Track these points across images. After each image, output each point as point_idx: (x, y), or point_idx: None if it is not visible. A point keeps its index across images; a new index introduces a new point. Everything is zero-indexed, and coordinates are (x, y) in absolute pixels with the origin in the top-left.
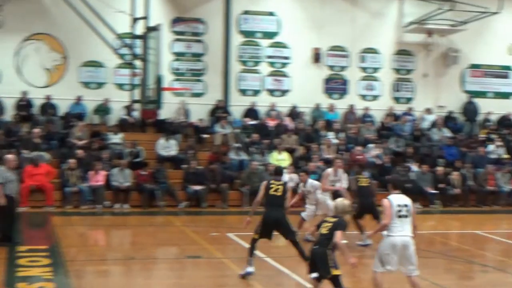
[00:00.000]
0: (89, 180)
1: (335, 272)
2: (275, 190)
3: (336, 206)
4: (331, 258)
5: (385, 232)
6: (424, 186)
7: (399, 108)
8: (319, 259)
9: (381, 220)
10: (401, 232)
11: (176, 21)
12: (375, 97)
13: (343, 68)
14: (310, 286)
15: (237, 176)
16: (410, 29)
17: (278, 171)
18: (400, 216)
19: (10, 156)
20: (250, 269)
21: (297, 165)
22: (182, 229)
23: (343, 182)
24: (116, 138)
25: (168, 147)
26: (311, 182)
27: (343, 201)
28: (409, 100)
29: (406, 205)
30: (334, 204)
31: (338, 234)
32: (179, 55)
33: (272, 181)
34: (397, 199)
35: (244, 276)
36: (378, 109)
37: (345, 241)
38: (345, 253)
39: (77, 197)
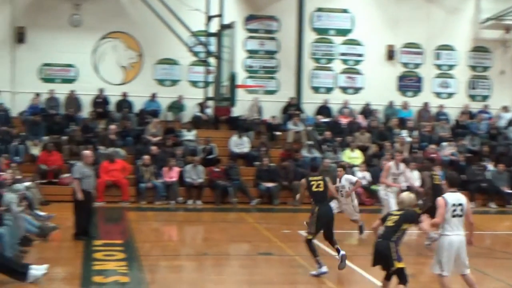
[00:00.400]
0: (163, 176)
1: (398, 265)
2: (317, 186)
3: (403, 200)
4: (394, 251)
5: (438, 232)
6: (500, 185)
7: (475, 106)
8: (383, 252)
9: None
10: (457, 231)
11: (250, 18)
12: (450, 95)
13: (417, 65)
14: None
15: (309, 174)
16: (487, 25)
17: (313, 167)
18: (454, 216)
19: (87, 152)
20: (323, 269)
21: (370, 163)
22: (254, 225)
23: (412, 179)
24: (189, 135)
25: (241, 144)
26: (347, 177)
27: (409, 195)
28: (485, 97)
29: (460, 204)
30: (400, 197)
31: (423, 224)
32: (252, 53)
33: (310, 178)
34: (453, 198)
35: (318, 276)
36: (453, 107)
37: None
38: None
39: (151, 193)
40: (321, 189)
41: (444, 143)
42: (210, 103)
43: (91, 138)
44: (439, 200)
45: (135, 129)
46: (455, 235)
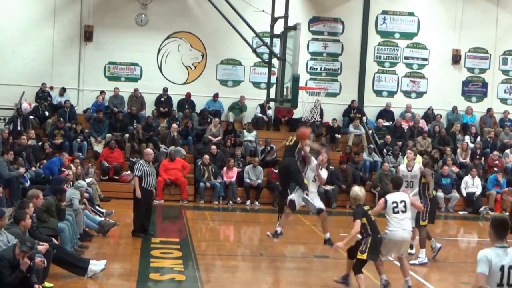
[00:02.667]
0: (222, 176)
1: (359, 256)
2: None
3: (358, 196)
4: (362, 243)
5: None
6: None
7: None
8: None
9: None
10: (400, 227)
11: (314, 20)
12: None
13: (483, 70)
14: None
15: (369, 177)
16: None
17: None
18: (396, 212)
19: (148, 150)
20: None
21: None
22: (311, 228)
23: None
24: (250, 136)
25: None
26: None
27: (362, 189)
28: None
29: (403, 201)
30: (355, 193)
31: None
32: (315, 55)
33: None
34: (393, 197)
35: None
36: None
37: None
38: None
39: (209, 192)
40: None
41: (507, 150)
42: (272, 104)
43: (152, 136)
44: (380, 200)
45: (196, 129)
46: (397, 230)
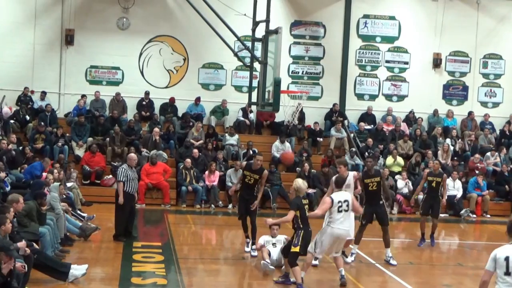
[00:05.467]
0: (204, 180)
1: (293, 249)
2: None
3: (300, 187)
4: (295, 236)
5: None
6: None
7: None
8: None
9: None
10: (341, 225)
11: (296, 24)
12: (495, 104)
13: (463, 74)
14: None
15: None
16: None
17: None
18: (340, 211)
19: (132, 155)
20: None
21: (412, 172)
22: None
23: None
24: (232, 139)
25: (282, 149)
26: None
27: (304, 182)
28: None
29: (346, 201)
30: (298, 185)
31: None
32: (297, 58)
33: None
34: (339, 196)
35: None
36: (499, 117)
37: None
38: None
39: (191, 196)
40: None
41: (488, 153)
42: (254, 108)
43: (134, 140)
44: (326, 198)
45: (178, 133)
46: (338, 228)
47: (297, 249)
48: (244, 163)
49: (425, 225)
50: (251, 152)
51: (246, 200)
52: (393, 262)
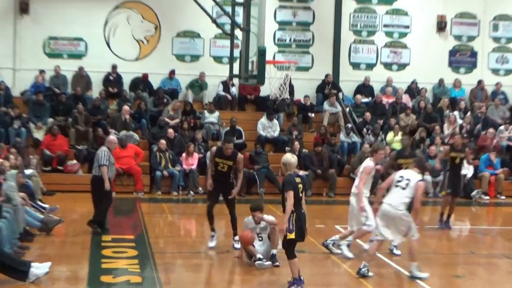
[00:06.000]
0: (181, 163)
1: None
2: None
3: (291, 162)
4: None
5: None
6: None
7: None
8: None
9: None
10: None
11: None
12: (508, 72)
13: (472, 38)
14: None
15: (347, 160)
16: None
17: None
18: (396, 186)
19: (113, 138)
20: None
21: (417, 149)
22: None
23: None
24: (212, 117)
25: (269, 127)
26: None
27: (294, 156)
28: None
29: (408, 179)
30: (288, 160)
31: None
32: (284, 24)
33: None
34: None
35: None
36: None
37: None
38: None
39: (167, 182)
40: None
41: (501, 127)
42: (236, 81)
43: (100, 120)
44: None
45: (151, 111)
46: (386, 203)
47: (292, 235)
48: (214, 148)
49: (447, 206)
50: (235, 131)
51: (220, 188)
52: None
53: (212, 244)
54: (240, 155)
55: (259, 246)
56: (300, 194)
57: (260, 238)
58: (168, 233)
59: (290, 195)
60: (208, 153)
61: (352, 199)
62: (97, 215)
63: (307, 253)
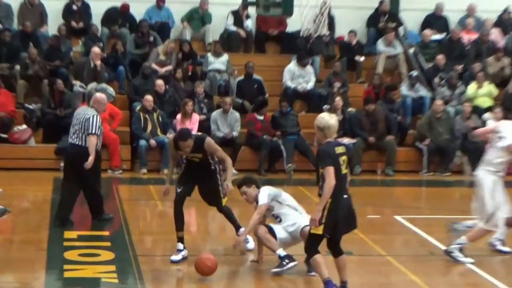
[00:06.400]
0: (175, 128)
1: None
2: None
3: (331, 125)
4: None
5: None
6: None
7: None
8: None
9: None
10: None
11: None
12: None
13: None
14: None
15: (411, 123)
16: None
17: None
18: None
19: (101, 96)
20: None
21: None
22: None
23: None
24: (218, 62)
25: (301, 76)
26: None
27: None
28: None
29: None
30: (327, 122)
31: None
32: None
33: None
34: None
35: None
36: None
37: None
38: None
39: (156, 155)
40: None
41: None
42: (252, 10)
43: (60, 67)
44: None
45: (132, 54)
46: None
47: (319, 230)
48: (171, 135)
49: None
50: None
51: (194, 179)
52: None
53: (176, 258)
54: (208, 140)
55: (278, 229)
56: (343, 171)
57: (279, 219)
58: (157, 228)
59: (329, 172)
60: (214, 114)
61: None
62: (96, 206)
63: (356, 255)
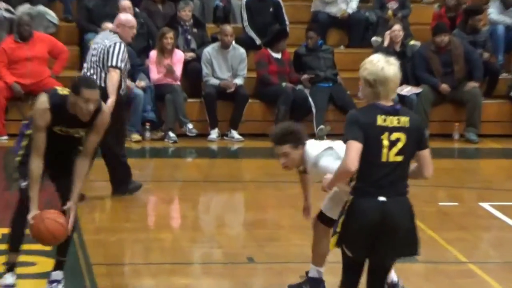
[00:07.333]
0: (148, 74)
1: None
2: None
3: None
4: None
5: None
6: None
7: None
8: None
9: None
10: None
11: None
12: None
13: None
14: None
15: (504, 64)
16: None
17: None
18: None
19: (126, 18)
20: None
21: None
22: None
23: None
24: None
25: None
26: None
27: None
28: None
29: None
30: (387, 77)
31: None
32: None
33: None
34: None
35: None
36: None
37: None
38: None
39: None
40: None
41: None
42: None
43: None
44: None
45: None
46: None
47: (333, 240)
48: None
49: None
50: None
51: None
52: None
53: (7, 280)
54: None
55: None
56: (387, 158)
57: None
58: (123, 223)
59: (349, 149)
60: (207, 50)
61: None
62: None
63: (422, 262)
